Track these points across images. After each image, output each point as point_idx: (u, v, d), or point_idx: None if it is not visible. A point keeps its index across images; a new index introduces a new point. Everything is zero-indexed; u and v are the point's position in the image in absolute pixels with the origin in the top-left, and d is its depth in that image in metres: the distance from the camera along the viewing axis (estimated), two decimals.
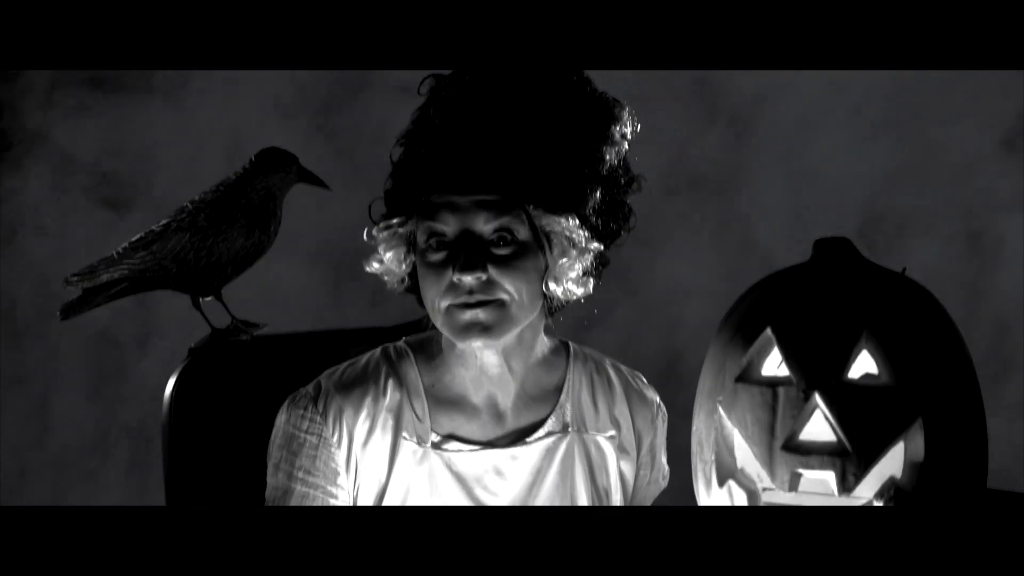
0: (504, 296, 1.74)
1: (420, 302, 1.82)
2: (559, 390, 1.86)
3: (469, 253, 1.73)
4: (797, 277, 1.71)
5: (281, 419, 1.82)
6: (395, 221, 1.78)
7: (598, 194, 1.77)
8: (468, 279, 1.73)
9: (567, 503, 1.84)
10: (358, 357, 1.87)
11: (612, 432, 1.87)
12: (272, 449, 1.82)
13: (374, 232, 1.80)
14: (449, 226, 1.74)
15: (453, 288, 1.74)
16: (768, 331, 1.66)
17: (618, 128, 1.79)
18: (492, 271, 1.73)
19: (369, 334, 2.16)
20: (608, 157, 1.78)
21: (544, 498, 1.83)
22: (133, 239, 2.13)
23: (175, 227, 2.11)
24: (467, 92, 1.74)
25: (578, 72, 1.79)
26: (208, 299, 2.15)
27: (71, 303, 2.12)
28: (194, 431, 2.07)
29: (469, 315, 1.74)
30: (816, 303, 1.66)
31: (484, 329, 1.75)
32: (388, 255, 1.80)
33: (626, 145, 1.80)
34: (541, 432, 1.83)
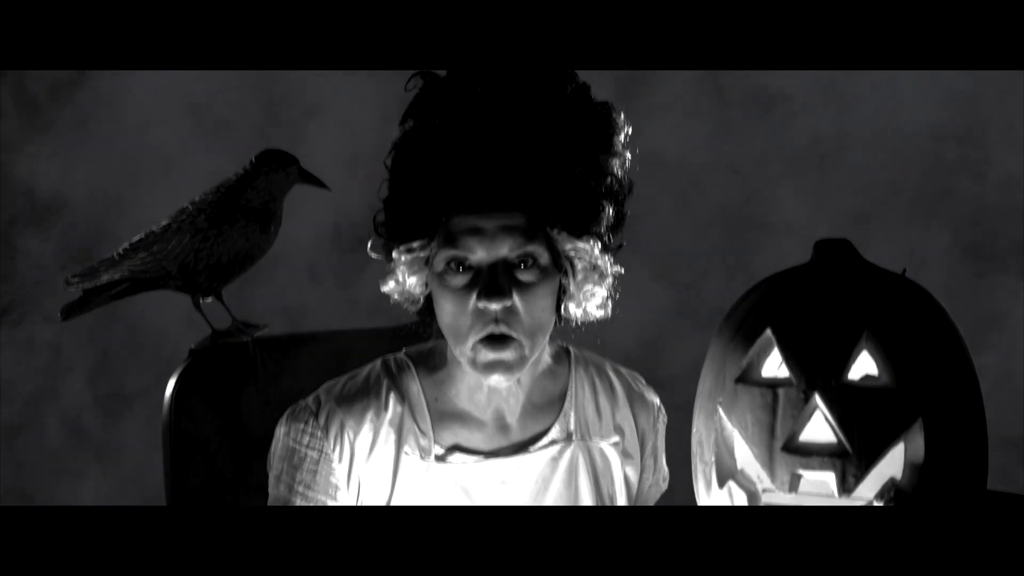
0: (522, 335, 1.70)
1: (423, 319, 1.79)
2: (562, 397, 1.84)
3: (495, 279, 1.69)
4: (797, 278, 1.71)
5: (280, 431, 1.80)
6: (416, 244, 1.73)
7: (610, 211, 1.74)
8: (494, 306, 1.69)
9: None
10: (358, 370, 1.83)
11: (616, 438, 1.86)
12: (272, 460, 1.81)
13: (394, 255, 1.75)
14: (475, 253, 1.69)
15: (478, 315, 1.70)
16: (768, 332, 1.66)
17: (620, 137, 1.75)
18: (516, 297, 1.69)
19: (368, 335, 2.16)
20: (615, 170, 1.74)
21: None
22: (134, 240, 2.12)
23: (175, 228, 2.11)
24: (481, 105, 1.68)
25: (576, 78, 1.74)
26: (209, 300, 2.15)
27: (72, 304, 2.12)
28: (194, 431, 2.07)
29: (493, 356, 1.71)
30: (816, 304, 1.66)
31: (508, 368, 1.71)
32: (411, 280, 1.75)
33: (628, 154, 1.76)
34: (545, 441, 1.82)
